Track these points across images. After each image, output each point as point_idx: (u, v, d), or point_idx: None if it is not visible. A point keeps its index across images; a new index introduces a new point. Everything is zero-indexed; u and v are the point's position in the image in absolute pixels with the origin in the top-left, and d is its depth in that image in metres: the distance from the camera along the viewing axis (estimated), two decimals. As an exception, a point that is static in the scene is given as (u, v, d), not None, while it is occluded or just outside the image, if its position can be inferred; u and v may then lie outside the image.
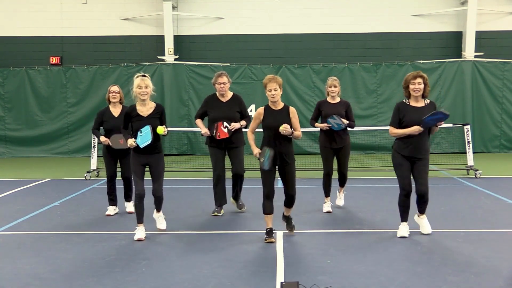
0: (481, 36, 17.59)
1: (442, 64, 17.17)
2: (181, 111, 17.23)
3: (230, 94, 8.46)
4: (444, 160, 14.18)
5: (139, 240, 6.96)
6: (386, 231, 7.32)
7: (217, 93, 8.43)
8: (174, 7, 17.77)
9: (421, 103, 6.89)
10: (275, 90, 6.70)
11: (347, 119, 8.39)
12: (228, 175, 8.54)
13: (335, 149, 8.47)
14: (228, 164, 8.45)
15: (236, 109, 8.36)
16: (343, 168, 8.56)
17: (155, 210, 7.50)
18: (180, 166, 13.49)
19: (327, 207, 8.58)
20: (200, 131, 8.45)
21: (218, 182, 8.38)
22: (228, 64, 17.22)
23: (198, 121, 8.53)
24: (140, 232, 7.04)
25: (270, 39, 17.95)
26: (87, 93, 17.31)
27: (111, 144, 8.23)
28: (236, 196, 8.67)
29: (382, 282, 5.35)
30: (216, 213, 8.39)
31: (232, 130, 8.21)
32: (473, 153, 12.94)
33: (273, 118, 6.72)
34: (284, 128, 6.57)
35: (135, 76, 7.10)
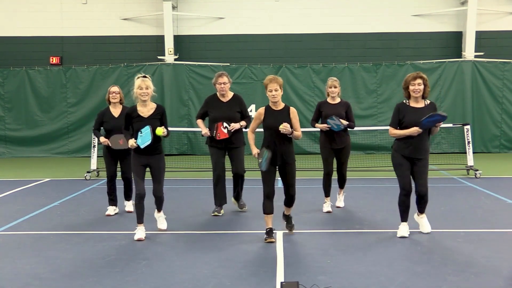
0: (481, 36, 17.59)
1: (442, 64, 17.18)
2: (181, 111, 17.23)
3: (230, 94, 8.46)
4: (444, 160, 14.18)
5: (139, 240, 6.96)
6: (386, 231, 7.32)
7: (217, 93, 8.44)
8: (174, 7, 17.77)
9: (421, 104, 6.90)
10: (276, 90, 6.71)
11: (347, 120, 8.39)
12: (229, 175, 8.55)
13: (335, 149, 8.48)
14: (228, 164, 8.47)
15: (236, 109, 8.36)
16: (342, 169, 8.59)
17: (156, 210, 7.51)
18: (180, 166, 13.49)
19: (327, 207, 8.58)
20: (201, 131, 8.47)
21: (218, 182, 8.39)
22: (228, 64, 17.23)
23: (199, 121, 8.55)
24: (140, 232, 7.04)
25: (270, 39, 17.95)
26: (87, 93, 17.32)
27: (110, 145, 8.23)
28: (237, 196, 8.68)
29: (382, 282, 5.35)
30: (216, 213, 8.39)
31: (232, 130, 8.21)
32: (473, 153, 12.94)
33: (273, 119, 6.73)
34: (284, 127, 6.59)
35: (136, 77, 7.12)
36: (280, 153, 6.76)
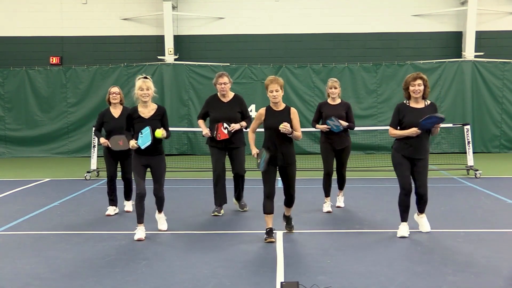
0: (481, 36, 17.59)
1: (442, 64, 17.17)
2: (181, 111, 17.22)
3: (231, 95, 8.47)
4: (444, 160, 14.18)
5: (139, 240, 6.96)
6: (386, 231, 7.33)
7: (218, 93, 8.44)
8: (174, 7, 17.77)
9: (421, 104, 6.91)
10: (277, 91, 6.74)
11: (347, 120, 8.41)
12: (229, 175, 8.55)
13: (336, 150, 8.49)
14: (228, 164, 8.47)
15: (237, 110, 8.37)
16: (342, 169, 8.61)
17: (156, 211, 7.53)
18: (180, 166, 13.49)
19: (327, 207, 8.58)
20: (201, 131, 8.48)
21: (218, 182, 8.39)
22: (228, 64, 17.23)
23: (200, 122, 8.57)
24: (140, 232, 7.04)
25: (270, 39, 17.95)
26: (87, 93, 17.32)
27: (110, 146, 8.24)
28: (238, 197, 8.69)
29: (382, 282, 5.35)
30: (216, 213, 8.39)
31: (232, 131, 8.22)
32: (473, 153, 12.93)
33: (274, 119, 6.75)
34: (284, 127, 6.60)
35: (137, 78, 7.14)
36: (281, 153, 6.78)
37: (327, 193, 8.64)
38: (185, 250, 6.57)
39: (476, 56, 17.32)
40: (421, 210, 7.19)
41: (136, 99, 7.11)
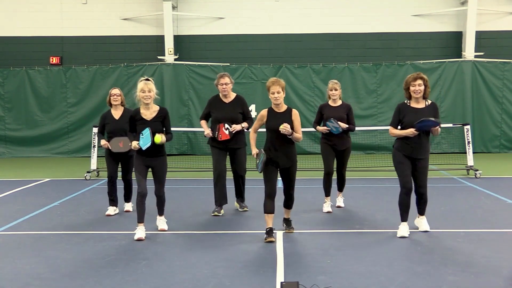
0: (481, 36, 17.59)
1: (442, 64, 17.18)
2: (181, 111, 17.22)
3: (233, 95, 8.48)
4: (444, 160, 14.18)
5: (139, 239, 6.96)
6: (386, 231, 7.33)
7: (220, 94, 8.46)
8: (174, 7, 17.77)
9: (421, 104, 6.93)
10: (278, 93, 6.77)
11: (347, 122, 8.43)
12: (229, 175, 8.56)
13: (336, 150, 8.51)
14: (229, 164, 8.48)
15: (238, 110, 8.38)
16: (342, 169, 8.63)
17: (157, 215, 7.55)
18: (180, 166, 13.48)
19: (327, 207, 8.59)
20: (202, 131, 8.50)
21: (219, 182, 8.39)
22: (228, 64, 17.23)
23: (203, 122, 8.60)
24: (140, 231, 7.04)
25: (270, 39, 17.95)
26: (87, 93, 17.32)
27: (110, 148, 8.25)
28: (240, 198, 8.70)
29: (382, 282, 5.35)
30: (216, 213, 8.39)
31: (233, 132, 8.23)
32: (473, 153, 12.94)
33: (276, 121, 6.79)
34: (284, 127, 6.63)
35: (139, 80, 7.18)
36: (282, 154, 6.82)
37: (327, 193, 8.65)
38: (185, 250, 6.58)
39: (476, 56, 17.32)
40: (421, 211, 7.21)
41: (138, 101, 7.15)
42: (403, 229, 7.02)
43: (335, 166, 8.60)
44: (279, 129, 6.65)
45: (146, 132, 6.97)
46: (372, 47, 17.85)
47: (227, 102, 8.43)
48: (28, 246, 6.84)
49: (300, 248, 6.71)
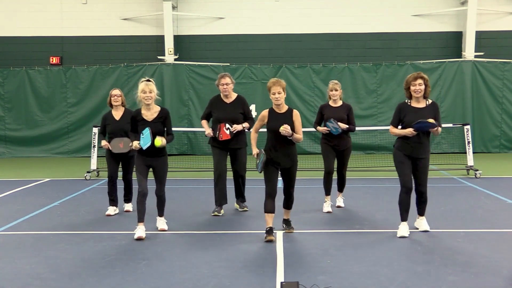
0: (481, 36, 17.59)
1: (442, 64, 17.18)
2: (181, 111, 17.22)
3: (234, 96, 8.49)
4: (444, 160, 14.18)
5: (139, 238, 6.96)
6: (386, 231, 7.33)
7: (221, 94, 8.46)
8: (174, 7, 17.77)
9: (422, 104, 6.94)
10: (279, 93, 6.79)
11: (348, 122, 8.45)
12: (230, 175, 8.56)
13: (337, 150, 8.52)
14: (229, 164, 8.49)
15: (239, 111, 8.39)
16: (343, 169, 8.64)
17: (157, 216, 7.54)
18: (180, 166, 13.48)
19: (327, 207, 8.59)
20: (203, 131, 8.51)
21: (219, 182, 8.40)
22: (228, 64, 17.23)
23: (204, 122, 8.60)
24: (140, 231, 7.05)
25: (270, 39, 17.95)
26: (87, 93, 17.32)
27: (111, 148, 8.26)
28: (241, 198, 8.70)
29: (382, 282, 5.35)
30: (216, 213, 8.39)
31: (234, 132, 8.24)
32: (473, 153, 12.93)
33: (276, 121, 6.80)
34: (284, 129, 6.64)
35: (140, 80, 7.21)
36: (282, 154, 6.84)
37: (327, 192, 8.65)
38: (185, 250, 6.58)
39: (476, 56, 17.32)
40: (421, 211, 7.22)
41: (139, 102, 7.17)
42: (403, 229, 7.02)
43: (335, 165, 8.61)
44: (279, 131, 6.66)
45: (146, 132, 7.00)
46: (372, 47, 17.85)
47: (228, 102, 8.44)
48: (28, 246, 6.84)
49: (300, 248, 6.71)
